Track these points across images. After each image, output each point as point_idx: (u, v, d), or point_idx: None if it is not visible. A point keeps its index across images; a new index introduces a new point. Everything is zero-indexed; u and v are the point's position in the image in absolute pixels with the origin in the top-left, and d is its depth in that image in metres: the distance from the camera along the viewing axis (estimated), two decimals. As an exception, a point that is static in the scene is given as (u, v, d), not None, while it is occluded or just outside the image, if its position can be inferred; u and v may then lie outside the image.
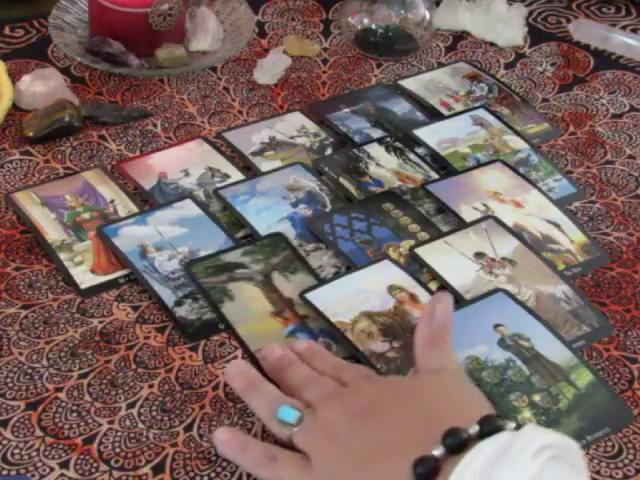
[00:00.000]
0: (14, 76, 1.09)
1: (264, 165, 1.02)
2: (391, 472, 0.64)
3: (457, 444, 0.62)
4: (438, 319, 0.76)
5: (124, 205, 0.96)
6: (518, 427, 0.63)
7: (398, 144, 1.05)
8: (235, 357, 0.82)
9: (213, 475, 0.74)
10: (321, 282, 0.88)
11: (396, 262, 0.90)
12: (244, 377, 0.76)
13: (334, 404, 0.71)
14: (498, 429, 0.62)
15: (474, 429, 0.63)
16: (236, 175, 1.00)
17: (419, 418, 0.68)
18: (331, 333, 0.83)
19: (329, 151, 1.04)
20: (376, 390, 0.72)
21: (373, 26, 1.19)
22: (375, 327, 0.83)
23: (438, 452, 0.62)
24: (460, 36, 1.24)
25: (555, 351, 0.82)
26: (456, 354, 0.76)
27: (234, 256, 0.90)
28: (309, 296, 0.85)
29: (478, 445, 0.60)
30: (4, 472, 0.73)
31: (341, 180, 1.00)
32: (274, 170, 1.00)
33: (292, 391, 0.75)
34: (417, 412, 0.68)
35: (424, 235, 0.94)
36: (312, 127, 1.07)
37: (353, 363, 0.79)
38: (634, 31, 1.25)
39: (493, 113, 1.10)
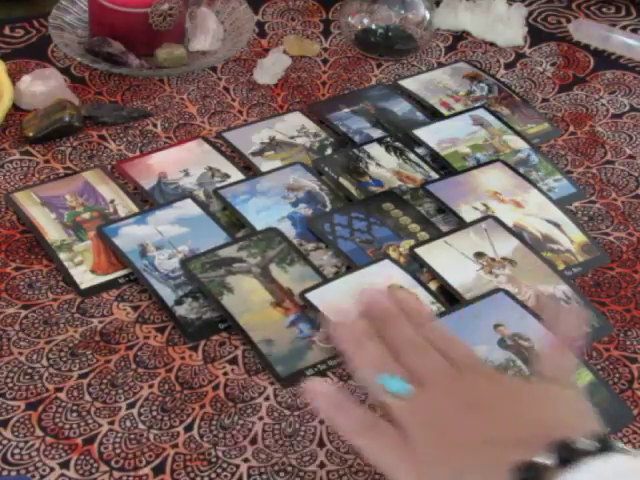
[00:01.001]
0: (14, 76, 1.09)
1: (264, 165, 1.02)
2: (491, 470, 0.62)
3: (569, 457, 0.59)
4: (569, 330, 0.71)
5: (124, 205, 0.96)
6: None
7: (398, 144, 1.05)
8: (235, 357, 0.82)
9: (214, 476, 0.74)
10: (322, 282, 0.88)
11: (396, 262, 0.90)
12: (352, 330, 0.70)
13: (446, 387, 0.67)
14: (613, 449, 0.59)
15: (588, 444, 0.60)
16: (236, 175, 1.00)
17: (529, 423, 0.65)
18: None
19: (329, 151, 1.04)
20: (491, 386, 0.68)
21: (373, 26, 1.19)
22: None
23: (549, 461, 0.59)
24: (460, 36, 1.24)
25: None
26: (576, 368, 0.73)
27: (230, 251, 0.90)
28: (309, 296, 0.85)
29: (592, 462, 0.58)
30: (4, 472, 0.73)
31: (341, 180, 1.00)
32: (274, 170, 1.00)
33: (390, 349, 0.69)
34: (528, 416, 0.66)
35: (424, 235, 0.94)
36: (312, 127, 1.07)
37: (465, 343, 0.73)
38: (634, 31, 1.25)
39: (493, 113, 1.10)
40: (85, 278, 0.88)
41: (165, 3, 1.11)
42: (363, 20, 1.19)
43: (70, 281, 0.88)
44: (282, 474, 0.74)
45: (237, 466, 0.74)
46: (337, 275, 0.89)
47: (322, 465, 0.75)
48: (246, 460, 0.75)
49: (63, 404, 0.78)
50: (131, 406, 0.78)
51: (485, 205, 0.97)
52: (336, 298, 0.85)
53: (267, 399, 0.80)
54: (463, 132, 1.07)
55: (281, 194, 0.97)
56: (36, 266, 0.90)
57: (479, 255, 0.91)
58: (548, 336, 0.71)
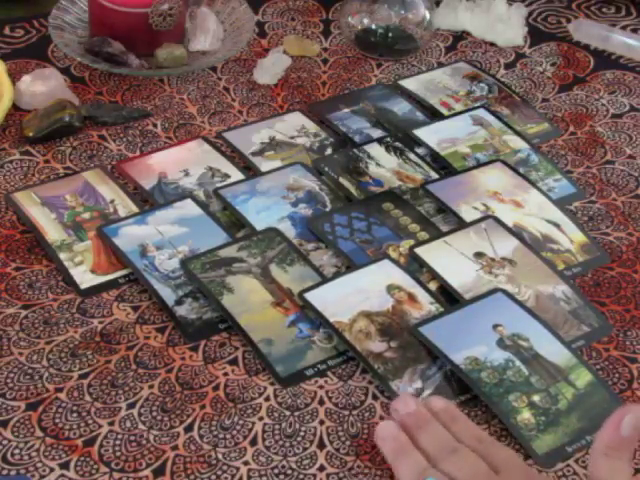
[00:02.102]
0: (14, 76, 1.09)
1: (264, 165, 1.02)
2: None
3: None
4: (624, 431, 0.67)
5: (124, 205, 0.96)
6: None
7: (398, 144, 1.05)
8: (236, 358, 0.82)
9: (214, 478, 0.74)
10: (320, 282, 0.88)
11: (396, 262, 0.90)
12: (395, 442, 0.73)
13: None
14: None
15: None
16: (236, 175, 1.00)
17: None
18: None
19: (329, 151, 1.04)
20: None
21: (373, 26, 1.19)
22: (373, 327, 0.83)
23: None
24: (460, 36, 1.24)
25: (554, 351, 0.82)
26: (632, 471, 0.68)
27: (230, 251, 0.90)
28: (308, 296, 0.85)
29: None
30: (4, 472, 0.73)
31: (341, 180, 1.00)
32: (274, 170, 1.01)
33: (425, 454, 0.71)
34: None
35: (424, 235, 0.94)
36: (312, 127, 1.07)
37: (498, 442, 0.75)
38: (634, 31, 1.25)
39: (493, 113, 1.10)
40: (85, 278, 0.88)
41: (165, 3, 1.11)
42: (363, 20, 1.19)
43: (70, 281, 0.88)
44: (282, 477, 0.74)
45: (237, 469, 0.74)
46: (336, 275, 0.89)
47: (322, 468, 0.75)
48: (246, 463, 0.75)
49: (63, 404, 0.78)
50: (131, 406, 0.78)
51: (485, 205, 0.97)
52: (335, 298, 0.86)
53: (267, 399, 0.80)
54: (463, 132, 1.07)
55: (281, 194, 0.98)
56: (36, 266, 0.90)
57: (479, 255, 0.91)
58: (603, 437, 0.68)
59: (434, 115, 1.11)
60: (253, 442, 0.76)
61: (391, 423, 0.74)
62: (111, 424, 0.77)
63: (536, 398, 0.78)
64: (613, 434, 0.67)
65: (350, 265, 0.90)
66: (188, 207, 0.95)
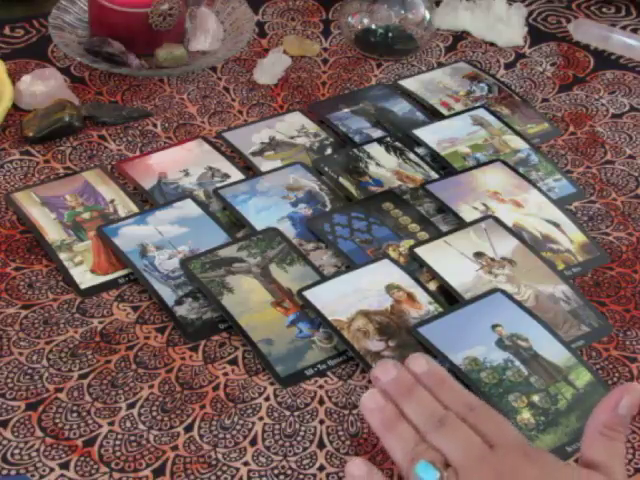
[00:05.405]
0: (14, 76, 1.09)
1: (264, 165, 1.02)
2: None
3: None
4: (621, 410, 0.66)
5: (124, 205, 0.96)
6: None
7: (398, 144, 1.05)
8: (236, 358, 0.82)
9: (214, 478, 0.74)
10: (319, 280, 0.88)
11: (395, 261, 0.90)
12: (381, 413, 0.68)
13: (479, 470, 0.65)
14: None
15: None
16: (236, 175, 1.00)
17: None
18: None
19: (329, 151, 1.04)
20: (527, 468, 0.65)
21: (373, 26, 1.19)
22: (371, 326, 0.83)
23: None
24: (460, 36, 1.24)
25: (553, 351, 0.82)
26: (624, 453, 0.68)
27: (230, 251, 0.90)
28: (307, 294, 0.86)
29: None
30: (4, 472, 0.73)
31: (341, 180, 1.00)
32: (274, 170, 1.01)
33: (413, 425, 0.67)
34: None
35: (424, 235, 0.94)
36: (312, 127, 1.07)
37: (488, 406, 0.70)
38: (634, 31, 1.25)
39: (493, 113, 1.10)
40: (85, 278, 0.88)
41: (165, 3, 1.11)
42: (363, 20, 1.19)
43: (70, 281, 0.88)
44: (282, 477, 0.74)
45: (237, 469, 0.74)
46: (335, 274, 0.89)
47: (322, 468, 0.75)
48: (246, 463, 0.75)
49: (63, 404, 0.78)
50: (131, 406, 0.78)
51: (485, 205, 0.97)
52: (334, 297, 0.86)
53: (267, 399, 0.80)
54: (463, 132, 1.07)
55: (281, 194, 0.98)
56: (36, 266, 0.90)
57: (479, 255, 0.91)
58: (599, 416, 0.67)
59: (434, 115, 1.11)
60: (253, 442, 0.76)
61: (376, 393, 0.69)
62: (111, 424, 0.77)
63: (536, 398, 0.79)
64: (611, 413, 0.66)
65: (350, 265, 0.90)
66: (188, 207, 0.95)
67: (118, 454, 0.75)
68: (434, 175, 1.02)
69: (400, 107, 1.11)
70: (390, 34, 1.18)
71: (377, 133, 1.07)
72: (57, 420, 0.77)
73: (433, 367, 0.69)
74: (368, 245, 0.92)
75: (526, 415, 0.77)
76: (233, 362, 0.82)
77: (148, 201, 0.97)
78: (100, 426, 0.77)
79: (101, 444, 0.75)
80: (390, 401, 0.68)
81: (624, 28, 1.26)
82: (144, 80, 1.13)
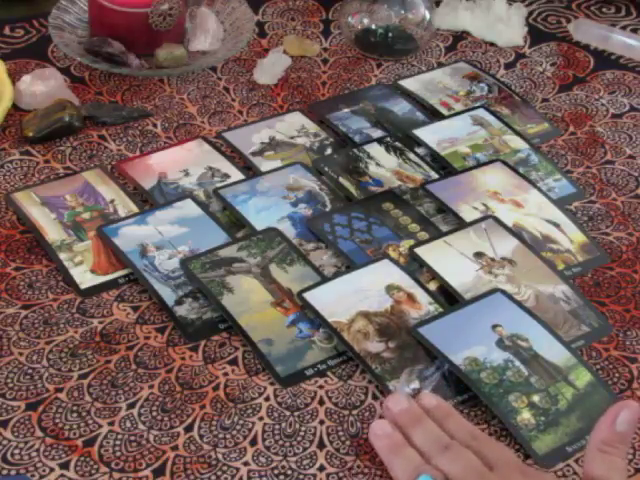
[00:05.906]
0: (14, 76, 1.09)
1: (264, 165, 1.02)
2: None
3: None
4: (619, 427, 0.68)
5: (124, 205, 0.96)
6: None
7: (398, 144, 1.05)
8: (236, 358, 0.82)
9: (214, 478, 0.74)
10: (319, 281, 0.88)
11: (395, 262, 0.90)
12: (388, 439, 0.73)
13: None
14: None
15: None
16: (236, 175, 1.00)
17: None
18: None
19: (329, 151, 1.04)
20: None
21: (373, 26, 1.19)
22: (371, 327, 0.83)
23: None
24: (460, 36, 1.24)
25: (554, 351, 0.82)
26: (626, 466, 0.69)
27: (230, 251, 0.90)
28: (307, 296, 0.85)
29: None
30: (4, 472, 0.73)
31: (341, 180, 1.00)
32: (274, 170, 1.01)
33: (419, 451, 0.72)
34: None
35: (424, 235, 0.94)
36: (312, 127, 1.07)
37: (491, 438, 0.75)
38: (634, 31, 1.25)
39: (493, 113, 1.10)
40: (85, 278, 0.88)
41: (165, 3, 1.11)
42: (363, 20, 1.19)
43: (70, 281, 0.88)
44: (282, 477, 0.74)
45: (237, 469, 0.74)
46: (335, 275, 0.89)
47: (322, 468, 0.75)
48: (246, 463, 0.75)
49: (63, 404, 0.78)
50: (131, 406, 0.78)
51: (485, 205, 0.97)
52: (334, 298, 0.86)
53: (267, 399, 0.80)
54: (463, 132, 1.07)
55: (281, 194, 0.98)
56: (36, 266, 0.90)
57: (479, 255, 0.91)
58: (598, 433, 0.68)
59: (434, 115, 1.11)
60: (253, 442, 0.76)
61: (385, 421, 0.75)
62: (111, 424, 0.77)
63: (536, 398, 0.78)
64: (608, 430, 0.68)
65: (350, 265, 0.90)
66: (188, 207, 0.95)
67: (118, 454, 0.75)
68: (434, 175, 1.02)
69: (400, 107, 1.11)
70: (390, 34, 1.18)
71: (377, 133, 1.07)
72: (57, 420, 0.77)
73: (441, 403, 0.76)
74: (368, 245, 0.92)
75: (526, 415, 0.77)
76: (233, 362, 0.82)
77: (148, 201, 0.97)
78: (100, 426, 0.77)
79: (101, 444, 0.75)
80: (398, 430, 0.74)
81: (624, 28, 1.26)
82: (144, 80, 1.13)
